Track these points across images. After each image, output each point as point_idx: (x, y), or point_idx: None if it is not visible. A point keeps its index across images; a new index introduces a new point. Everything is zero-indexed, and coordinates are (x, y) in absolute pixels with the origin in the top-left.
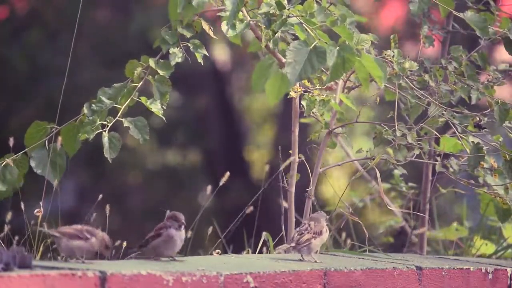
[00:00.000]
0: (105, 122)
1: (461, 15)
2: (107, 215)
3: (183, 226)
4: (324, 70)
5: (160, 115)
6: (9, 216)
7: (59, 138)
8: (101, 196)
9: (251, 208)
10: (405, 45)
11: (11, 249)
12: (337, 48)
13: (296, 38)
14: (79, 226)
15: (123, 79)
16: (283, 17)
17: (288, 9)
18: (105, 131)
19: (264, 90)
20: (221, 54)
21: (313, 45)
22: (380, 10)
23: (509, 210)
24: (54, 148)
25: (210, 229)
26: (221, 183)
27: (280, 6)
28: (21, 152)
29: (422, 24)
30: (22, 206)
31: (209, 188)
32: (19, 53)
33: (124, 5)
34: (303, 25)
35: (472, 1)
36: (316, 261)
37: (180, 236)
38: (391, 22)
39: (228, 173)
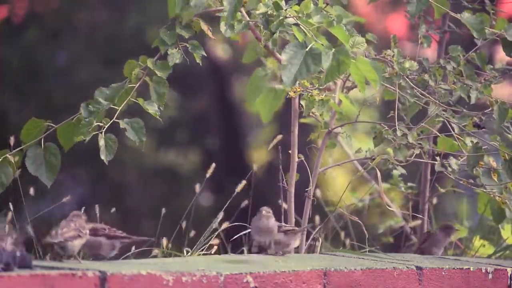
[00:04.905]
0: (102, 124)
1: (458, 16)
2: (97, 216)
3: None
4: (323, 70)
5: (157, 117)
6: (9, 215)
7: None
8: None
9: (246, 203)
10: (404, 45)
11: (11, 249)
12: (333, 50)
13: (295, 38)
14: (72, 224)
15: (120, 77)
16: (280, 17)
17: (285, 10)
18: (101, 132)
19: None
20: (221, 54)
21: (308, 47)
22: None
23: (504, 210)
24: (48, 147)
25: (210, 229)
26: (208, 175)
27: (277, 7)
28: (17, 149)
29: (420, 24)
30: (11, 206)
31: (198, 186)
32: (18, 52)
33: (120, 4)
34: (300, 26)
35: (468, 0)
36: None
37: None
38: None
39: (214, 165)
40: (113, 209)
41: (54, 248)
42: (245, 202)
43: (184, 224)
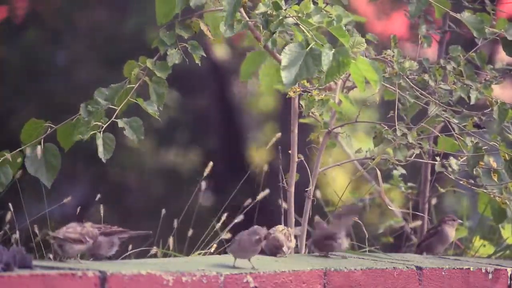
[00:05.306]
0: (100, 123)
1: (458, 16)
2: (102, 216)
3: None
4: (323, 70)
5: (157, 117)
6: (8, 215)
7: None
8: (99, 195)
9: (250, 202)
10: (404, 45)
11: (11, 249)
12: (333, 51)
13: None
14: (78, 228)
15: (120, 78)
16: (280, 17)
17: (285, 10)
18: (99, 132)
19: (250, 77)
20: (221, 54)
21: (309, 48)
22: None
23: (505, 210)
24: (48, 147)
25: (209, 229)
26: (205, 174)
27: (277, 7)
28: (17, 150)
29: (420, 24)
30: (11, 207)
31: (203, 184)
32: (18, 52)
33: (120, 4)
34: (300, 26)
35: (469, 0)
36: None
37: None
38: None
39: (211, 163)
40: (114, 209)
41: (53, 246)
42: (248, 201)
43: (184, 225)
